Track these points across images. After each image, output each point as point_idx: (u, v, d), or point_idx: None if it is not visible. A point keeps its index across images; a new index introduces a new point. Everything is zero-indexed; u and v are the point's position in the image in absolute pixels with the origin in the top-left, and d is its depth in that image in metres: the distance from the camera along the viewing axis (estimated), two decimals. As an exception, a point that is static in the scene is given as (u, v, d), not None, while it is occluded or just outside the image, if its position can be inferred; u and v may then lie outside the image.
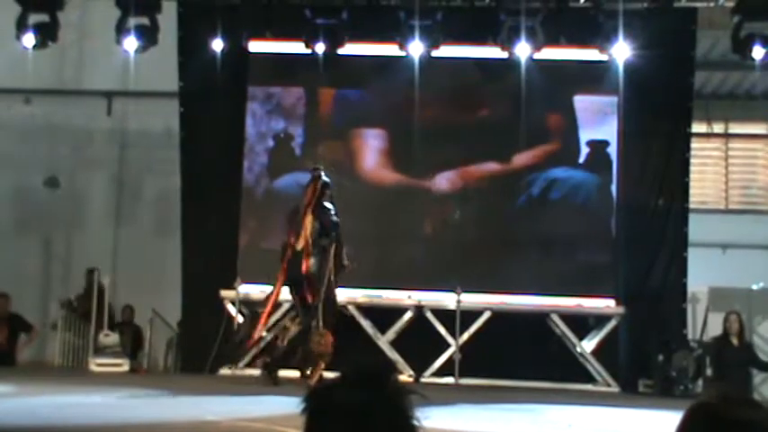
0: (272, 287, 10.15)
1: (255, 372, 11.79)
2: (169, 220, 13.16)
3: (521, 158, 12.21)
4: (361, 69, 12.36)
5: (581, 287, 11.86)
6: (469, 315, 11.70)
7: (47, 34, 11.48)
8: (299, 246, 9.46)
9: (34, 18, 11.42)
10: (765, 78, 13.88)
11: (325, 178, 9.76)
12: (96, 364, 11.84)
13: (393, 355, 11.49)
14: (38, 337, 13.22)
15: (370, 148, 12.38)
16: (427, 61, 11.84)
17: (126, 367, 11.96)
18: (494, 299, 11.90)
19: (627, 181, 12.08)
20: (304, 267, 9.46)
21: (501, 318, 11.72)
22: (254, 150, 12.49)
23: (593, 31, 11.66)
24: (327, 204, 9.64)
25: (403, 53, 11.82)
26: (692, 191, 12.47)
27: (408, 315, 11.88)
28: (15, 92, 14.31)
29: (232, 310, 11.90)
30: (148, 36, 11.53)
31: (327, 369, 9.23)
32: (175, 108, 12.68)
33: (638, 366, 11.68)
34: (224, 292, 11.95)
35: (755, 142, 14.84)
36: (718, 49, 13.06)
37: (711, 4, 11.71)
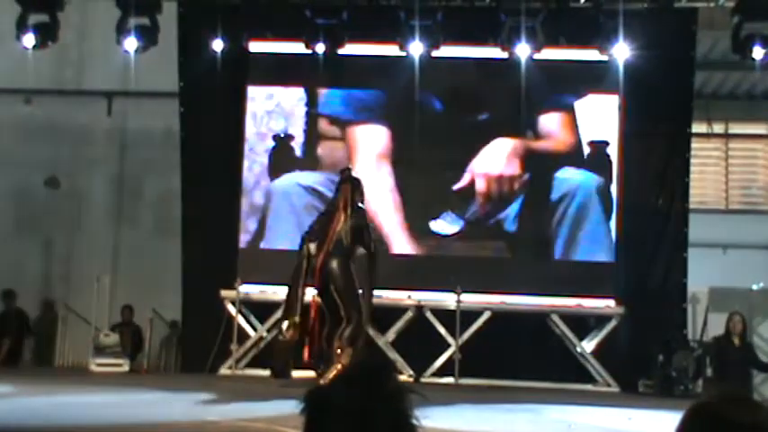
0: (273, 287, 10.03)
1: (255, 372, 11.82)
2: (169, 220, 13.16)
3: (520, 159, 12.21)
4: (361, 69, 12.36)
5: (581, 287, 11.86)
6: (469, 315, 11.71)
7: (47, 34, 11.47)
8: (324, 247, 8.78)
9: (34, 18, 11.41)
10: (765, 78, 13.87)
11: (355, 175, 9.24)
12: (96, 364, 11.84)
13: (393, 355, 11.49)
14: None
15: (370, 149, 12.38)
16: (427, 61, 11.84)
17: (126, 367, 11.97)
18: (494, 299, 11.90)
19: (627, 181, 12.08)
20: (318, 264, 8.77)
21: (501, 318, 11.72)
22: (254, 150, 12.49)
23: (593, 31, 11.67)
24: (362, 206, 8.96)
25: (403, 53, 11.82)
26: (692, 191, 12.47)
27: (408, 315, 11.88)
28: (15, 92, 14.30)
29: (232, 310, 11.91)
30: (148, 36, 11.53)
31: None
32: (175, 108, 12.68)
33: (638, 366, 11.68)
34: (224, 292, 11.96)
35: (755, 142, 14.83)
36: (718, 49, 13.06)
37: (711, 4, 11.71)
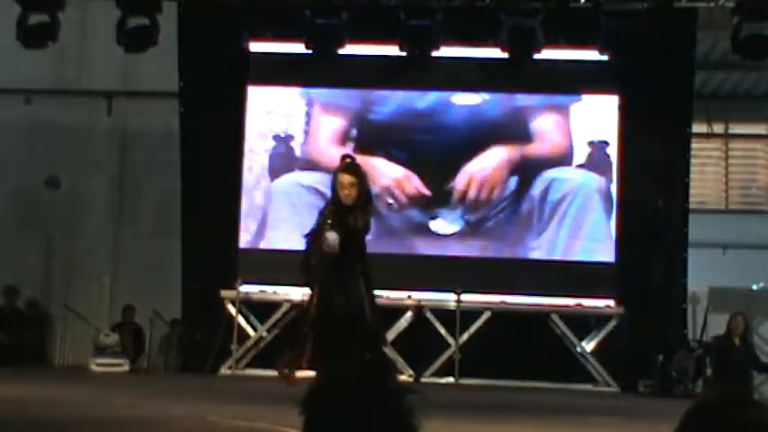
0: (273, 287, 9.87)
1: (255, 372, 11.83)
2: (169, 221, 13.16)
3: (521, 159, 12.21)
4: (361, 69, 12.36)
5: (581, 287, 11.86)
6: (469, 315, 11.71)
7: (47, 34, 11.47)
8: None
9: (34, 18, 11.42)
10: (765, 78, 13.89)
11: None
12: (96, 364, 11.84)
13: (393, 355, 11.49)
14: None
15: (370, 147, 12.36)
16: (427, 61, 11.84)
17: (126, 367, 11.96)
18: (494, 299, 11.91)
19: (627, 181, 12.08)
20: None
21: (501, 318, 11.73)
22: (254, 150, 12.49)
23: (593, 31, 11.67)
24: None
25: (403, 53, 11.82)
26: (692, 191, 12.47)
27: (408, 315, 11.88)
28: (15, 92, 14.30)
29: (232, 310, 11.91)
30: (148, 36, 11.52)
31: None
32: (175, 108, 12.68)
33: (638, 366, 11.68)
34: (224, 292, 11.96)
35: (755, 142, 14.84)
36: (718, 49, 13.07)
37: (711, 5, 11.71)
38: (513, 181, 12.24)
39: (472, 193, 12.23)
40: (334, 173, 7.26)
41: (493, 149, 12.27)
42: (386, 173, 12.23)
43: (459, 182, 12.21)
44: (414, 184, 12.25)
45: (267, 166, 12.48)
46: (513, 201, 12.23)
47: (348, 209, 7.04)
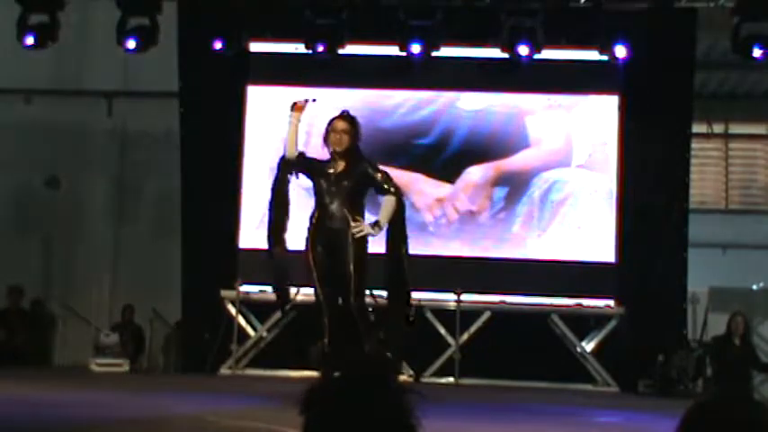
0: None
1: (255, 372, 11.83)
2: (169, 221, 13.16)
3: (521, 159, 12.21)
4: (361, 69, 12.36)
5: (581, 287, 11.86)
6: (469, 315, 11.71)
7: (47, 34, 11.47)
8: None
9: (34, 18, 11.42)
10: (765, 78, 13.88)
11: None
12: (96, 364, 11.84)
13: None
14: None
15: (371, 147, 12.36)
16: (427, 61, 11.84)
17: (126, 367, 11.97)
18: (494, 299, 11.91)
19: (627, 181, 12.08)
20: None
21: (501, 318, 11.73)
22: (254, 150, 12.48)
23: (593, 31, 11.67)
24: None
25: (403, 53, 11.82)
26: (692, 191, 12.47)
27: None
28: (15, 92, 14.31)
29: (232, 310, 11.91)
30: (148, 36, 11.52)
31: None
32: (175, 108, 12.68)
33: (638, 366, 11.68)
34: (224, 292, 11.96)
35: (755, 142, 14.84)
36: (718, 49, 13.06)
37: (711, 4, 11.72)
38: (514, 180, 12.24)
39: (474, 193, 12.23)
40: (329, 122, 7.49)
41: (494, 149, 12.27)
42: (429, 191, 12.21)
43: (461, 181, 12.20)
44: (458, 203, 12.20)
45: (267, 167, 12.45)
46: (512, 202, 12.23)
47: (334, 156, 7.32)
